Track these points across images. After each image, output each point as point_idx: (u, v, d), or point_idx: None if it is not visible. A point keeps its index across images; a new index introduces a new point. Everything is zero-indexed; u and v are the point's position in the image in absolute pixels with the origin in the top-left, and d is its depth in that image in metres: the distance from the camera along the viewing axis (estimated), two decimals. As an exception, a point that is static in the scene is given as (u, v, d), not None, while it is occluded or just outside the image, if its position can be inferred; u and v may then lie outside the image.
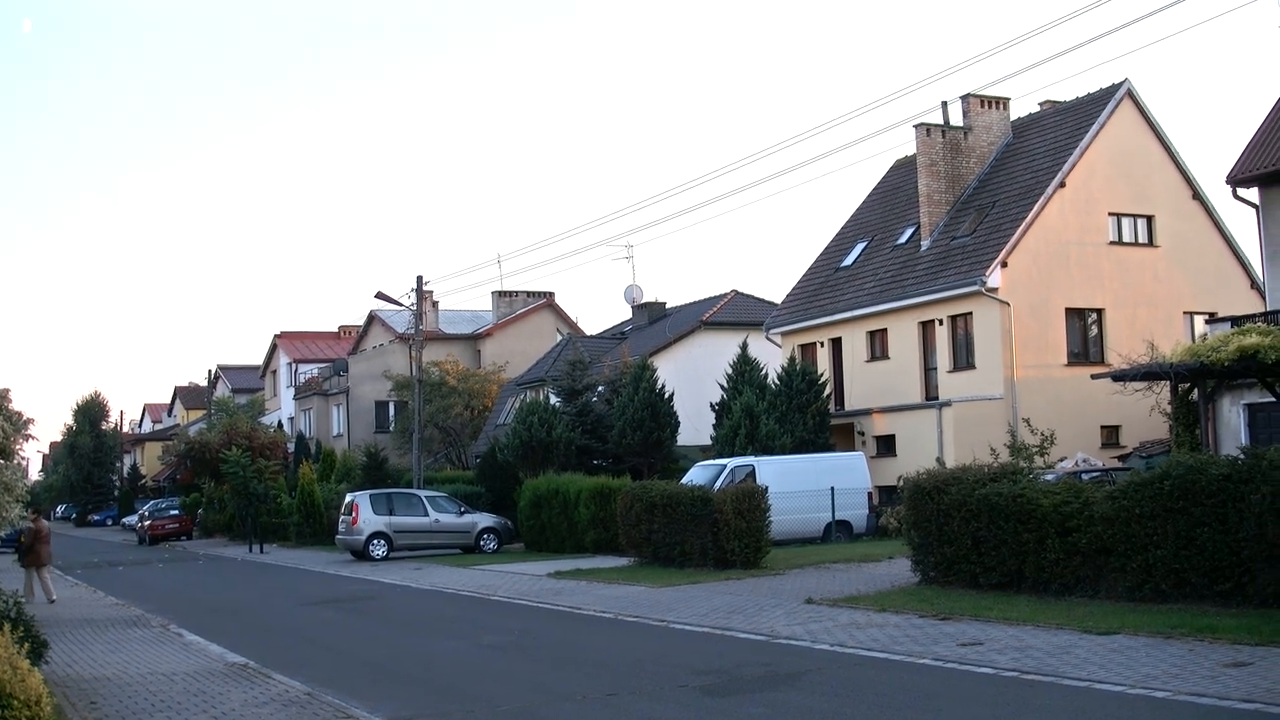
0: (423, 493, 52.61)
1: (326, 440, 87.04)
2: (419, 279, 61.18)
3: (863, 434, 50.32)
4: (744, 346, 52.45)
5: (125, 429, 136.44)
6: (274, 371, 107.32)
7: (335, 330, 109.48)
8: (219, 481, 78.70)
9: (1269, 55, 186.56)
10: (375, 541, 49.34)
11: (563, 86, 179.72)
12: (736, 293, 70.09)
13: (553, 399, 58.34)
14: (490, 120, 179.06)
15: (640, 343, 66.37)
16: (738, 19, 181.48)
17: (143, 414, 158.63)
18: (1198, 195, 51.48)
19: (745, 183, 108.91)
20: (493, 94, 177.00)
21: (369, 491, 52.62)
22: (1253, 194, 40.76)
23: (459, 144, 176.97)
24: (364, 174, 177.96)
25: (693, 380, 59.20)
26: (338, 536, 51.62)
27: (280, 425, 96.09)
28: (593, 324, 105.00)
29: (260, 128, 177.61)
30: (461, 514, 50.68)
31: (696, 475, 41.61)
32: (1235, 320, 37.44)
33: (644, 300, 76.95)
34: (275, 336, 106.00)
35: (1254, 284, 50.14)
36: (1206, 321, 43.09)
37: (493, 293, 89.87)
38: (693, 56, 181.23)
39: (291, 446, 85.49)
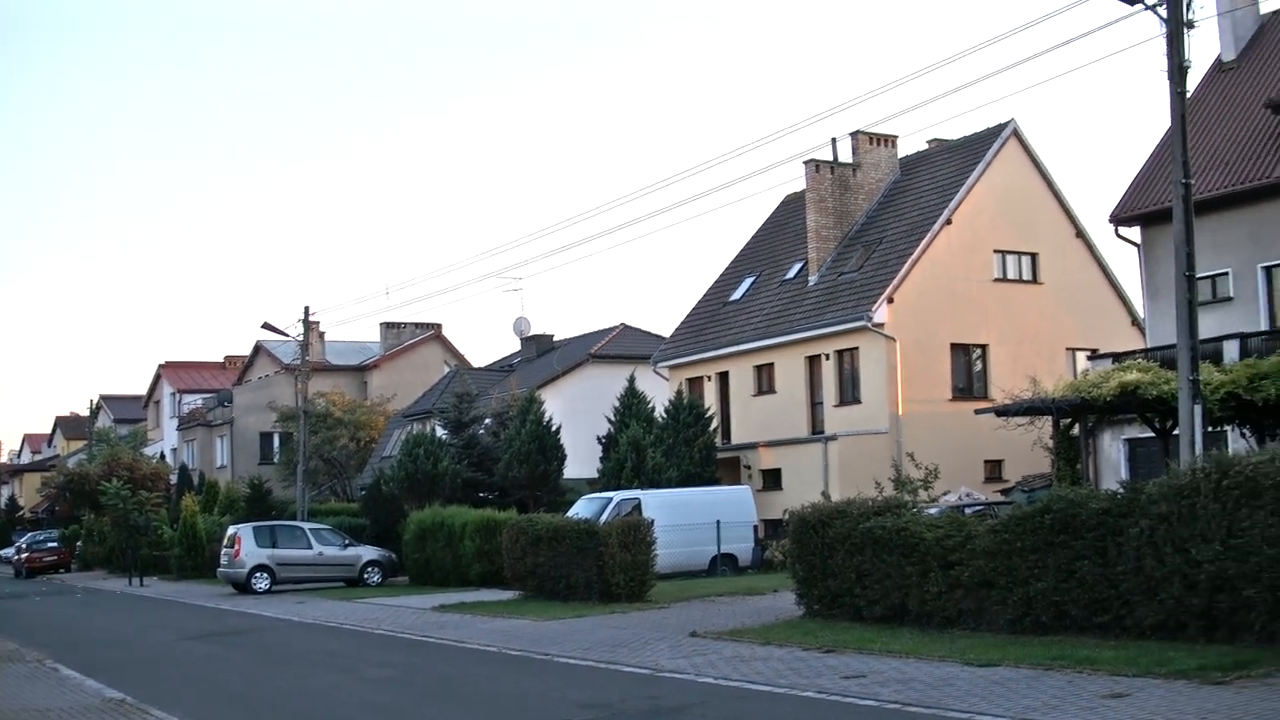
0: (307, 525, 52.05)
1: (210, 472, 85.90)
2: (306, 309, 60.78)
3: (749, 468, 50.44)
4: (632, 380, 52.45)
5: (3, 459, 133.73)
6: (157, 402, 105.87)
7: (220, 361, 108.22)
8: (99, 513, 77.40)
9: (1152, 98, 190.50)
10: (258, 574, 48.67)
11: (451, 117, 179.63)
12: (625, 326, 70.19)
13: (439, 431, 57.97)
14: (379, 150, 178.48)
15: (528, 375, 66.20)
16: (628, 53, 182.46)
17: (22, 444, 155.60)
18: (1081, 234, 52.29)
19: (635, 216, 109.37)
20: (381, 124, 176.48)
21: (252, 524, 51.93)
22: (1134, 233, 41.50)
23: (347, 174, 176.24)
24: (251, 202, 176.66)
25: (580, 413, 59.10)
26: (220, 569, 50.87)
27: (163, 456, 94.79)
28: (481, 356, 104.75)
29: (145, 153, 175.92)
30: (346, 547, 50.16)
31: (583, 508, 41.46)
32: (1116, 357, 38.01)
33: (532, 333, 76.83)
34: (159, 366, 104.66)
35: (1135, 321, 50.96)
36: (1088, 358, 43.66)
37: (380, 324, 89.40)
38: (584, 90, 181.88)
39: (174, 478, 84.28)
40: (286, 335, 61.11)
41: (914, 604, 24.69)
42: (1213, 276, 38.27)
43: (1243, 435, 32.11)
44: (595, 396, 59.53)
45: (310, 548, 49.50)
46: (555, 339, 76.16)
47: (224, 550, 50.54)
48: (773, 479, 49.41)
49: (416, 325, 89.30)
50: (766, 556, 43.28)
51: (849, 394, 48.95)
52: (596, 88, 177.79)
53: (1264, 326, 37.04)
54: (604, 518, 38.24)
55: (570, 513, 40.92)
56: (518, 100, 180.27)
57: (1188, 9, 24.04)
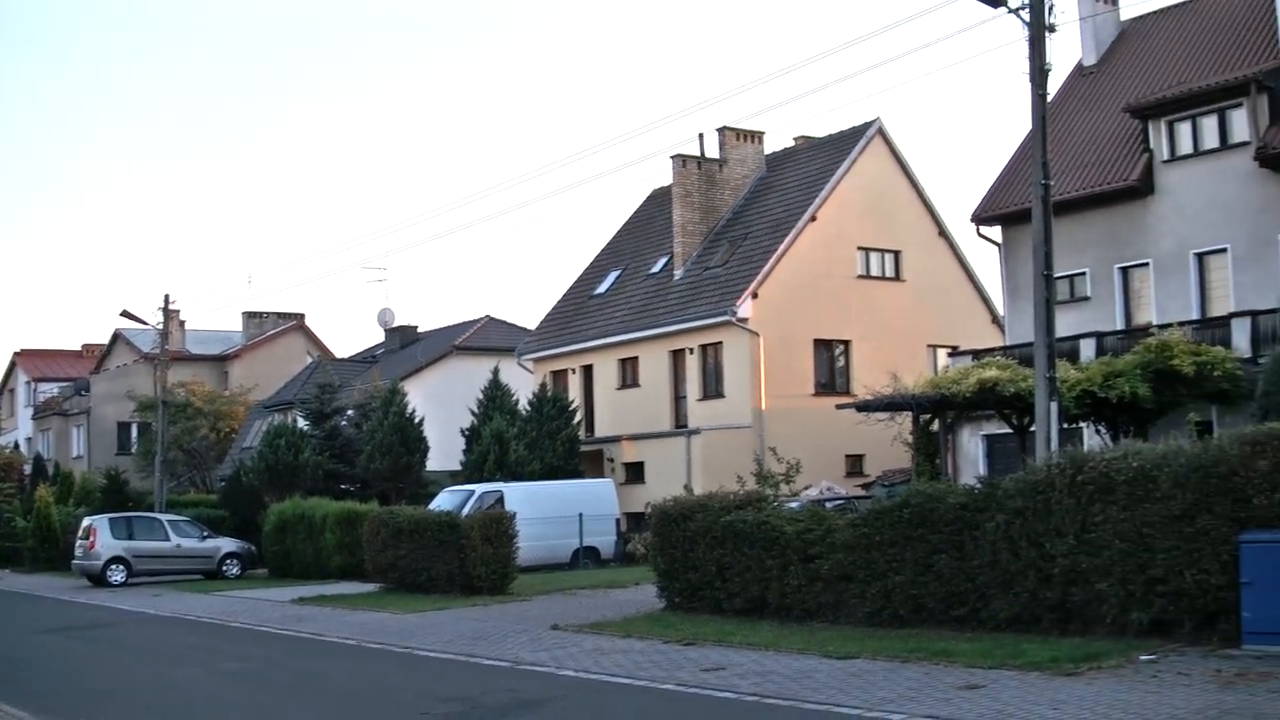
0: (164, 517, 51.18)
1: (66, 462, 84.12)
2: (166, 297, 59.79)
3: (612, 461, 50.49)
4: (495, 372, 52.28)
5: None
6: (11, 390, 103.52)
7: (78, 349, 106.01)
8: (-52, 505, 75.49)
9: (1015, 100, 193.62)
10: (113, 566, 47.72)
11: (316, 107, 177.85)
12: (490, 318, 69.94)
13: (301, 422, 57.37)
14: (242, 140, 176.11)
15: (392, 367, 65.73)
16: (498, 43, 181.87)
17: None
18: (943, 232, 52.96)
19: (501, 208, 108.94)
20: (245, 114, 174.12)
21: (108, 515, 50.90)
22: (995, 232, 42.14)
23: (209, 162, 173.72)
24: (112, 187, 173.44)
25: (444, 405, 58.76)
26: (74, 561, 49.80)
27: (17, 446, 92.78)
28: (344, 347, 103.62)
29: (4, 135, 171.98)
30: (204, 539, 49.42)
31: (445, 501, 41.24)
32: (976, 354, 38.61)
33: (397, 324, 76.25)
34: (14, 354, 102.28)
35: (995, 319, 51.70)
36: (949, 354, 44.29)
37: (242, 313, 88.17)
38: (451, 81, 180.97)
39: (29, 468, 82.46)
40: (146, 323, 60.09)
41: (774, 597, 24.84)
42: (1071, 276, 38.96)
43: (1097, 432, 32.73)
44: (459, 389, 59.21)
45: (168, 539, 48.68)
46: (420, 330, 75.64)
47: (79, 542, 49.48)
48: (636, 472, 49.49)
49: (279, 315, 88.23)
50: (629, 550, 43.33)
51: (713, 388, 49.17)
52: (466, 77, 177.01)
53: (1120, 325, 37.81)
54: (466, 510, 38.07)
55: (432, 505, 40.66)
56: (386, 90, 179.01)
57: (1049, 13, 24.42)
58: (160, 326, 59.98)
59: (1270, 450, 17.85)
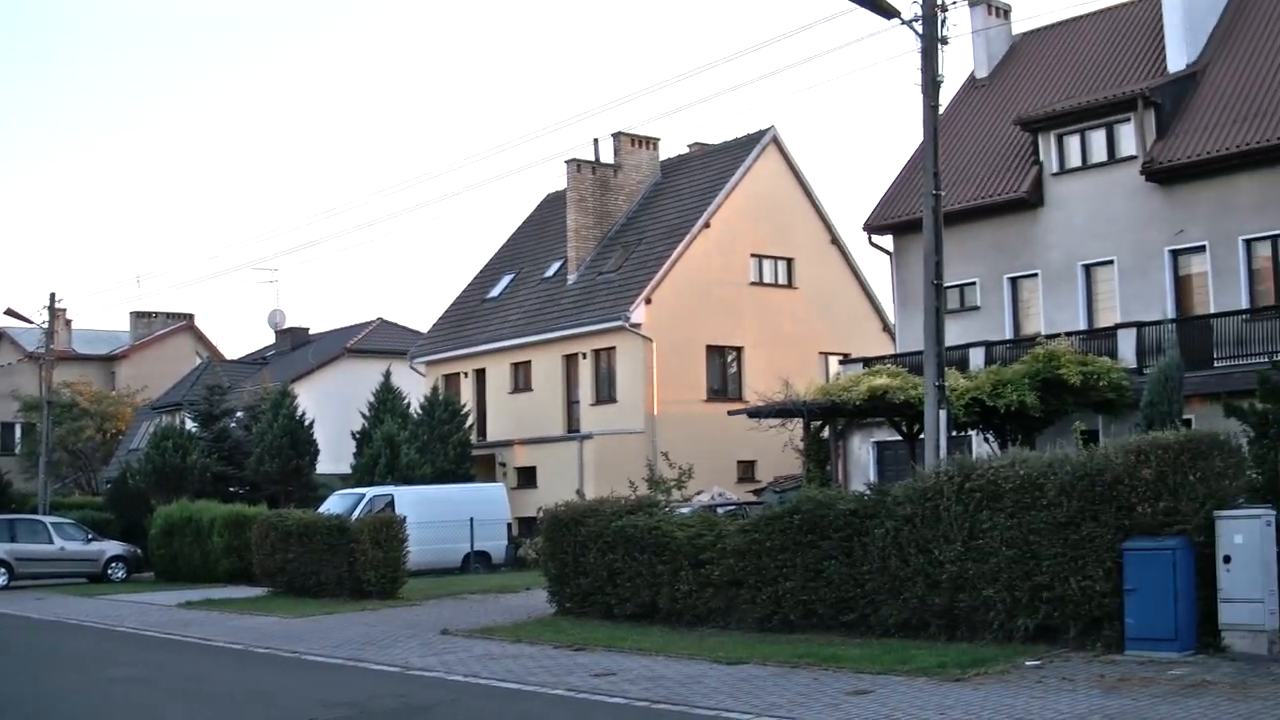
0: (48, 519, 50.23)
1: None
2: (52, 296, 58.84)
3: (504, 465, 50.35)
4: (387, 375, 51.99)
5: None
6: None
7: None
8: None
9: (908, 111, 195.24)
10: (-6, 570, 46.83)
11: (206, 103, 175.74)
12: (382, 321, 69.50)
13: (189, 424, 56.67)
14: (130, 136, 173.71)
15: (282, 369, 65.13)
16: (395, 44, 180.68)
17: None
18: (836, 240, 53.36)
19: (395, 210, 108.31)
20: (132, 109, 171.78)
21: (-11, 517, 49.98)
22: (887, 241, 42.45)
23: (97, 158, 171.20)
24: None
25: (335, 408, 58.30)
26: (-48, 565, 48.80)
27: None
28: (234, 348, 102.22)
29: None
30: (89, 541, 48.57)
31: (335, 504, 40.94)
32: (867, 361, 38.86)
33: (287, 325, 75.55)
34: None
35: (886, 327, 52.13)
36: (840, 362, 44.57)
37: (130, 313, 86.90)
38: (349, 80, 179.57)
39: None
40: (31, 322, 59.10)
41: (665, 602, 24.86)
42: (961, 286, 39.33)
43: (986, 440, 33.06)
44: (350, 391, 58.78)
45: (51, 542, 47.79)
46: (311, 332, 75.02)
47: (-42, 545, 48.49)
48: (528, 477, 49.38)
49: (168, 315, 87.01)
50: (520, 554, 43.24)
51: (605, 393, 49.18)
52: (363, 77, 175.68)
53: (1009, 335, 38.21)
54: (356, 514, 37.85)
55: (322, 509, 40.38)
56: (280, 88, 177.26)
57: (942, 26, 24.61)
58: (46, 325, 59.02)
59: (1154, 459, 18.12)
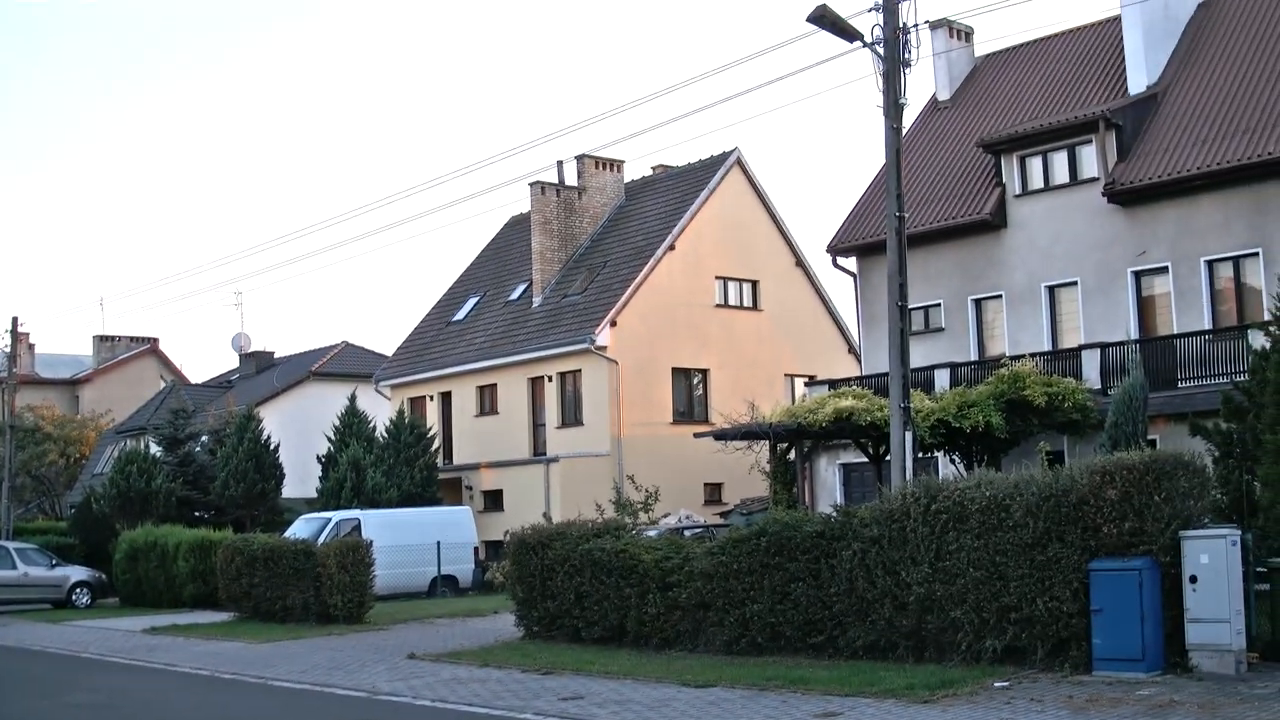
0: (11, 544, 49.83)
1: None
2: (14, 320, 58.58)
3: (470, 488, 50.24)
4: (353, 398, 51.84)
5: None
6: None
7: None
8: None
9: (871, 133, 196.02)
10: (-44, 596, 46.43)
11: (166, 123, 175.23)
12: (347, 344, 69.34)
13: (154, 448, 56.38)
14: (91, 156, 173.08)
15: (247, 392, 64.87)
16: (359, 68, 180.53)
17: None
18: (800, 262, 53.45)
19: (359, 232, 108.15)
20: (92, 124, 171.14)
21: (-49, 543, 49.58)
22: (851, 263, 42.55)
23: (59, 179, 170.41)
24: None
25: (300, 431, 58.10)
26: (-86, 590, 48.36)
27: None
28: (199, 372, 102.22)
29: None
30: (53, 567, 48.18)
31: (301, 528, 40.78)
32: (833, 384, 38.95)
33: (252, 349, 75.36)
34: None
35: (851, 349, 52.17)
36: (806, 384, 44.65)
37: (94, 337, 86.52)
38: (306, 101, 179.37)
39: None
40: (-8, 346, 58.85)
41: (632, 625, 24.82)
42: (926, 307, 39.45)
43: (952, 461, 33.17)
44: (315, 415, 58.58)
45: (15, 568, 47.39)
46: (275, 355, 74.84)
47: (-79, 571, 48.07)
48: (494, 500, 49.28)
49: (132, 339, 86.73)
50: (487, 578, 43.11)
51: (571, 416, 49.14)
52: (327, 100, 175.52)
53: (974, 356, 38.33)
54: (322, 538, 37.70)
55: (288, 533, 40.24)
56: (245, 107, 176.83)
57: (904, 48, 24.68)
58: (8, 349, 58.77)
59: (1119, 480, 18.19)
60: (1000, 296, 38.59)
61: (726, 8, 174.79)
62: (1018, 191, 38.32)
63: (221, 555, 37.69)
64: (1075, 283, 36.94)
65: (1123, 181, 35.56)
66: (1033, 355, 34.11)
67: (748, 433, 35.40)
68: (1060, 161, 37.73)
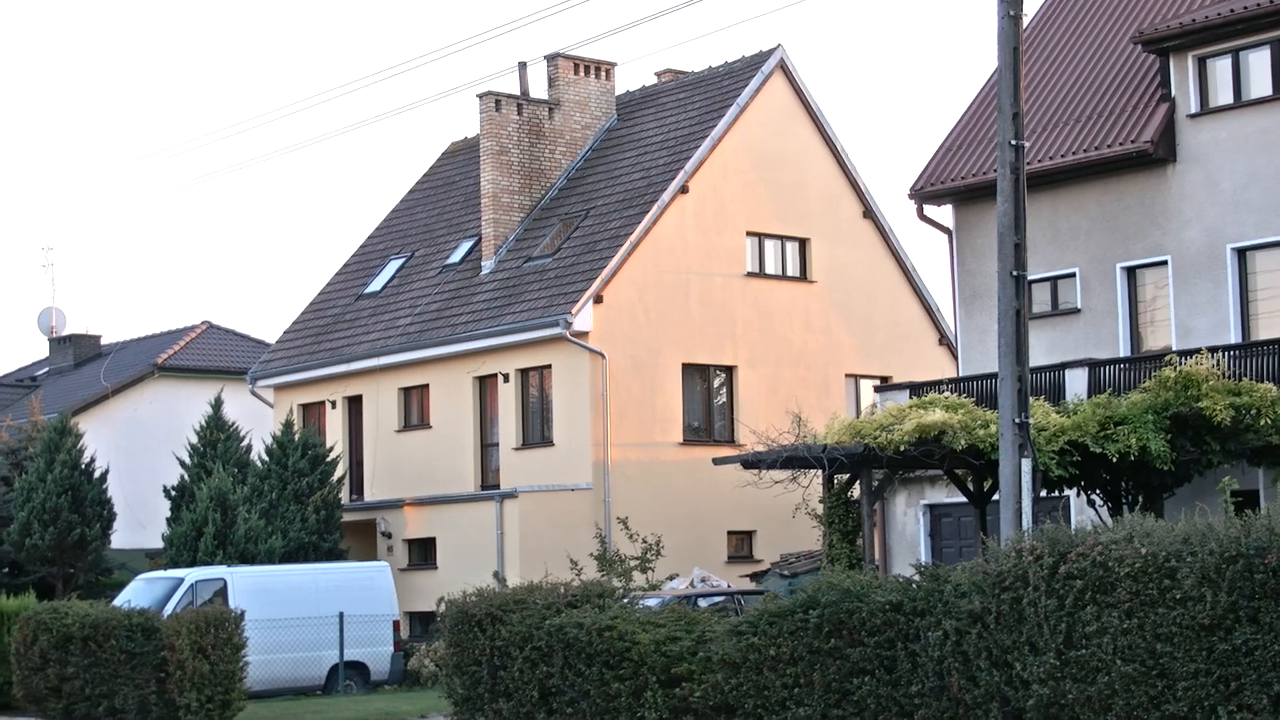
0: None
1: None
2: None
3: (389, 535, 50.17)
4: (217, 404, 51.78)
5: None
6: None
7: None
8: None
9: (975, 27, 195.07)
10: None
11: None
12: (210, 325, 69.30)
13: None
14: None
15: (61, 393, 64.81)
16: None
17: None
18: (871, 212, 53.31)
19: (225, 164, 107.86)
20: None
21: None
22: (944, 214, 42.41)
23: None
24: None
25: (140, 452, 58.11)
26: None
27: None
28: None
29: None
30: None
31: (140, 593, 40.70)
32: (915, 388, 38.80)
33: (68, 331, 75.07)
34: None
35: (943, 338, 52.15)
36: (876, 389, 44.47)
37: None
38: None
39: None
40: None
41: (624, 738, 24.75)
42: (1054, 279, 39.38)
43: (1090, 503, 33.05)
44: (163, 428, 58.55)
45: None
46: (104, 341, 74.65)
47: None
48: (423, 553, 49.26)
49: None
50: (412, 666, 43.10)
51: (536, 432, 49.07)
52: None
53: (1124, 351, 38.19)
54: (170, 608, 37.71)
55: (119, 600, 40.11)
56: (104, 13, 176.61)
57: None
58: None
59: (1345, 533, 18.09)
60: (1165, 263, 38.47)
61: None
62: (1194, 110, 38.16)
63: (18, 634, 37.47)
64: (1278, 243, 36.84)
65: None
66: (1213, 350, 33.92)
67: (792, 458, 35.27)
68: (1259, 65, 37.57)
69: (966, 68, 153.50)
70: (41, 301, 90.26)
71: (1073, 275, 39.71)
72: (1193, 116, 38.27)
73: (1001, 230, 24.72)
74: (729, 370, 50.24)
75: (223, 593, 39.82)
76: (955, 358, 44.54)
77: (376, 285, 57.10)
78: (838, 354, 51.54)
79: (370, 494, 52.89)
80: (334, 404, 54.96)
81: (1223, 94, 38.03)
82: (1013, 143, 24.58)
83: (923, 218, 42.71)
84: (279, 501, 47.63)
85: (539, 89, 54.50)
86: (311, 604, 41.32)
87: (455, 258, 54.81)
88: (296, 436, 49.95)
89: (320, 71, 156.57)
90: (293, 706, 37.80)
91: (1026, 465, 24.37)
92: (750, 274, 50.88)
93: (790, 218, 51.69)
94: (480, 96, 52.79)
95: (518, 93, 53.78)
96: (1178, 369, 31.87)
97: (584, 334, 47.32)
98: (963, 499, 34.83)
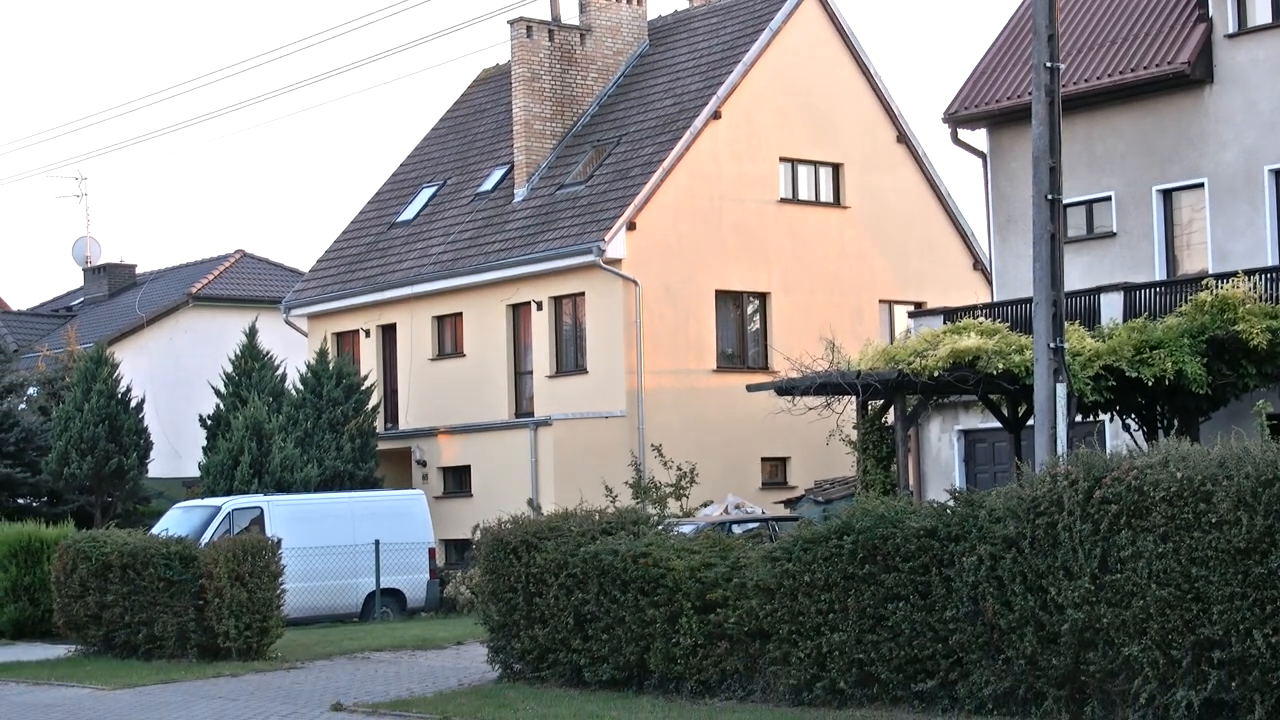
0: None
1: None
2: None
3: (424, 464, 50.29)
4: (252, 333, 51.85)
5: None
6: None
7: None
8: None
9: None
10: None
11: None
12: (244, 254, 69.38)
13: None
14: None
15: (96, 323, 64.96)
16: None
17: None
18: (905, 137, 53.22)
19: (257, 93, 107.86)
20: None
21: None
22: (979, 138, 42.33)
23: None
24: None
25: (176, 382, 58.28)
26: None
27: None
28: (25, 296, 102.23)
29: None
30: None
31: (177, 522, 40.82)
32: (949, 313, 38.77)
33: (103, 261, 75.19)
34: None
35: (977, 263, 52.11)
36: (911, 314, 44.51)
37: None
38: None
39: None
40: None
41: (658, 663, 24.79)
42: (1089, 202, 39.30)
43: (1125, 428, 33.02)
44: (198, 357, 58.70)
45: None
46: (138, 271, 74.77)
47: None
48: (458, 481, 49.41)
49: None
50: (447, 594, 43.22)
51: (570, 360, 49.11)
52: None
53: (1160, 275, 38.11)
54: (208, 536, 37.83)
55: (157, 528, 40.21)
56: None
57: None
58: None
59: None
60: (1201, 186, 38.36)
61: None
62: (1232, 30, 37.97)
63: (58, 562, 37.58)
64: (1316, 163, 36.73)
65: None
66: (1249, 273, 33.80)
67: (825, 385, 35.26)
68: (1302, -19, 37.45)
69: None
70: (76, 231, 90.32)
71: (1108, 199, 39.62)
72: (1230, 36, 38.08)
73: (1036, 154, 24.66)
74: (763, 297, 50.21)
75: (259, 521, 39.95)
76: (990, 283, 44.50)
77: (409, 214, 57.11)
78: (872, 280, 51.51)
79: (405, 422, 53.03)
80: (368, 333, 55.04)
81: (1261, 13, 37.83)
82: (1048, 65, 24.49)
83: (957, 142, 42.64)
84: (314, 430, 47.76)
85: (570, 14, 54.47)
86: (348, 532, 41.44)
87: (488, 185, 54.81)
88: (331, 365, 50.04)
89: (354, 5, 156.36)
90: (330, 634, 37.92)
91: (1061, 390, 24.34)
92: (784, 200, 50.84)
93: (824, 143, 51.62)
94: (511, 23, 52.71)
95: (549, 18, 53.72)
96: (1214, 292, 31.80)
97: (617, 261, 47.31)
98: (997, 424, 34.80)
